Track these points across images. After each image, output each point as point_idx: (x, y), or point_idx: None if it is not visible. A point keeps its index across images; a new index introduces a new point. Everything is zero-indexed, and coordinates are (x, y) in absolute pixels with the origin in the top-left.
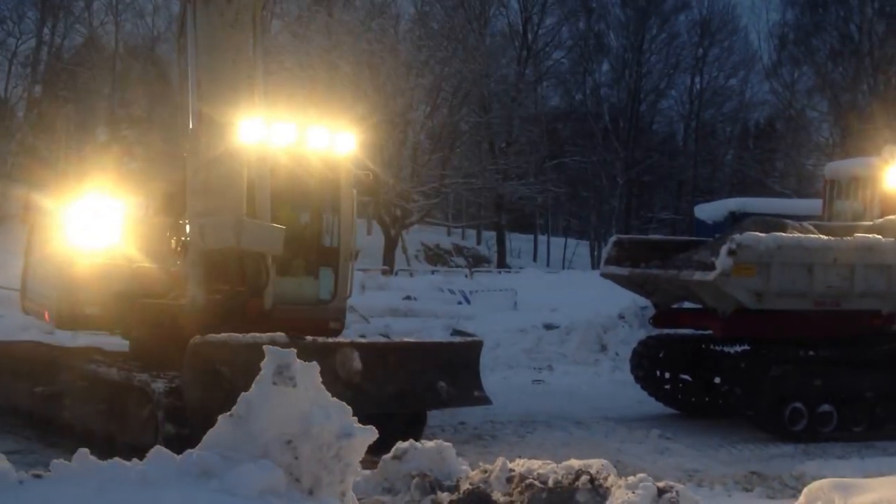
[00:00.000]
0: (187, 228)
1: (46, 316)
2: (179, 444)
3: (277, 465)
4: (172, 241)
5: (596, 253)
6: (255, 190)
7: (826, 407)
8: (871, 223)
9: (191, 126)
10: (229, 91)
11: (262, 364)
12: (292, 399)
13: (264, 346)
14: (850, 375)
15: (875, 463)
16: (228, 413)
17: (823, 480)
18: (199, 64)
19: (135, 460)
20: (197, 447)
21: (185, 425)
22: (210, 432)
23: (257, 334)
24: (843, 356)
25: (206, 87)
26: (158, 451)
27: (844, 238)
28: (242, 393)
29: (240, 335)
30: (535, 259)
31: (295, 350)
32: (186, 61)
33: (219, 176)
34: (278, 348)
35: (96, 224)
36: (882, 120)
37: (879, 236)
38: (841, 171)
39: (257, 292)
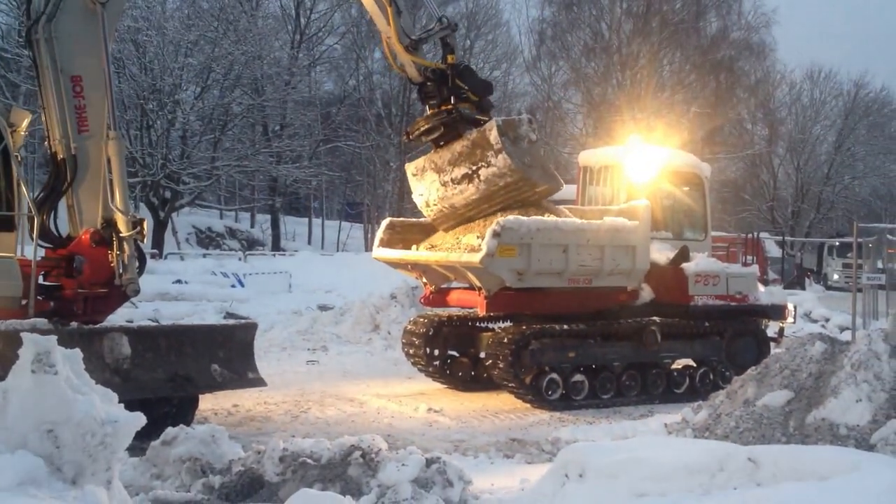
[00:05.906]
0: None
1: None
2: None
3: (37, 454)
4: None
5: (369, 236)
6: None
7: (578, 377)
8: (618, 207)
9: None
10: None
11: (20, 352)
12: (53, 387)
13: (22, 334)
14: (600, 347)
15: (621, 427)
16: None
17: (576, 444)
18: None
19: None
20: None
21: None
22: None
23: (16, 321)
24: (593, 330)
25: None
26: None
27: (595, 221)
28: None
29: None
30: (309, 242)
31: (56, 336)
32: None
33: None
34: (37, 335)
35: None
36: (628, 112)
37: (625, 219)
38: (593, 159)
39: None
